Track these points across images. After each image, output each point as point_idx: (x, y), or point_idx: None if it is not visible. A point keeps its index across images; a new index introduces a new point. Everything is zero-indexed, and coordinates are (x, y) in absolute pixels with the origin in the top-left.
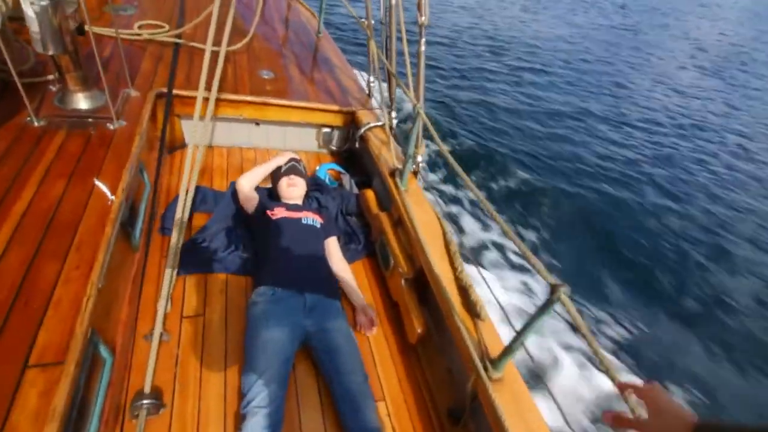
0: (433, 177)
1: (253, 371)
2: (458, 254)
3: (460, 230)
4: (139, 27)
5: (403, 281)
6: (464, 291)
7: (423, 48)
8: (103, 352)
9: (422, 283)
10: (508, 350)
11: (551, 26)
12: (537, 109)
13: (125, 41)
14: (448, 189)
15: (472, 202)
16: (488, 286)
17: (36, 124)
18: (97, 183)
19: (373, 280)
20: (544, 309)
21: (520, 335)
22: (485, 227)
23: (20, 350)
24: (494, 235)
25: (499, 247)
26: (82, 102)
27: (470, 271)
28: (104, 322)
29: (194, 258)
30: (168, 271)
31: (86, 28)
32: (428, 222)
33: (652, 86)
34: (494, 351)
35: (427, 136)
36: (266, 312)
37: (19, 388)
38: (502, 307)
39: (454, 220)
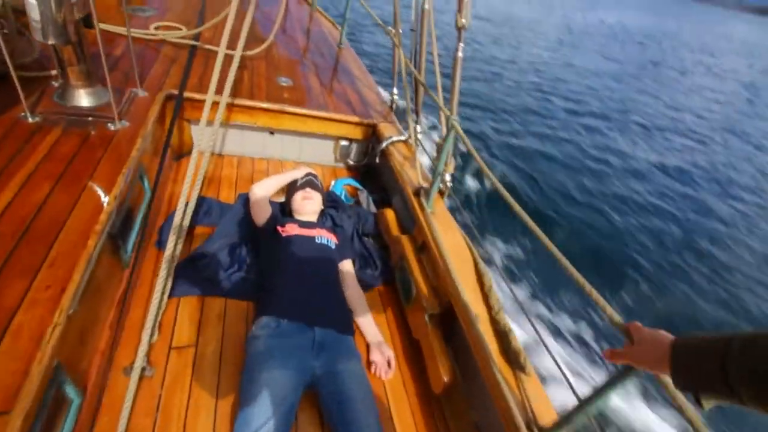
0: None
1: (248, 423)
2: (494, 290)
3: (490, 261)
4: (156, 28)
5: (426, 317)
6: (503, 336)
7: (461, 54)
8: (70, 391)
9: (449, 321)
10: (566, 420)
11: (585, 61)
12: (572, 144)
13: (140, 41)
14: (476, 213)
15: (503, 229)
16: (535, 330)
17: (30, 119)
18: (89, 186)
19: (390, 313)
20: (624, 376)
21: (584, 404)
22: (524, 256)
23: None
24: (536, 267)
25: (546, 284)
26: (83, 99)
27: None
28: (75, 354)
29: (191, 277)
30: (157, 293)
31: (96, 22)
32: (457, 249)
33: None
34: (543, 415)
35: (456, 152)
36: (268, 349)
37: None
38: (553, 357)
39: (483, 248)
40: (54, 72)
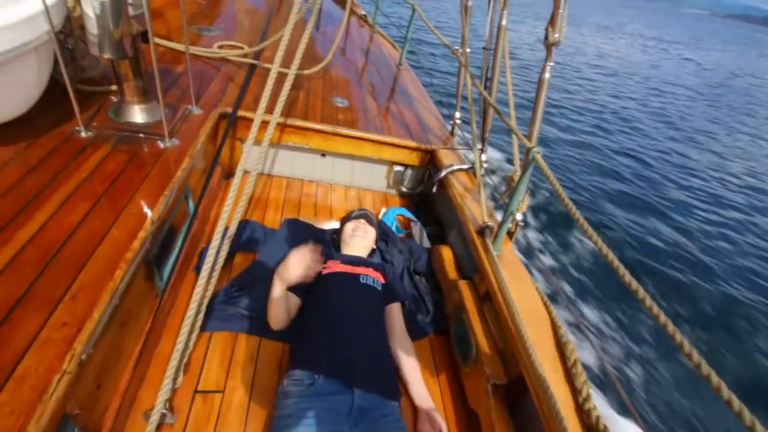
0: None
1: None
2: (580, 367)
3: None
4: (219, 47)
5: (489, 387)
6: None
7: (548, 75)
8: None
9: (518, 395)
10: None
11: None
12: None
13: (201, 59)
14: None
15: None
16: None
17: (83, 134)
18: (128, 208)
19: (443, 372)
20: None
21: None
22: (619, 328)
23: None
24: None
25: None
26: (137, 115)
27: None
28: (89, 399)
29: (225, 311)
30: (186, 328)
31: (150, 37)
32: (531, 306)
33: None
34: None
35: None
36: (300, 411)
37: None
38: None
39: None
40: (113, 87)
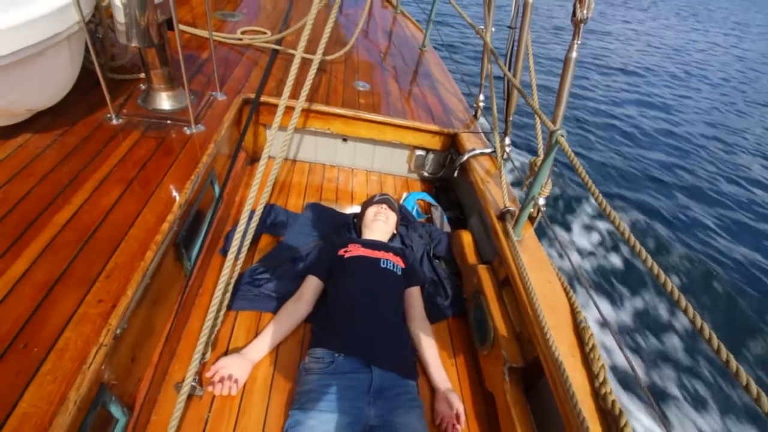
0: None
1: None
2: (598, 352)
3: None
4: (242, 32)
5: (505, 370)
6: (611, 420)
7: (575, 54)
8: (116, 411)
9: (535, 379)
10: None
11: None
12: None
13: (225, 45)
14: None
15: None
16: (660, 412)
17: (114, 121)
18: (156, 193)
19: (461, 354)
20: None
21: None
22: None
23: None
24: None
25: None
26: (164, 102)
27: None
28: (125, 370)
29: (251, 291)
30: (213, 307)
31: (175, 24)
32: (550, 291)
33: None
34: None
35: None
36: (320, 388)
37: None
38: None
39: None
40: (142, 75)
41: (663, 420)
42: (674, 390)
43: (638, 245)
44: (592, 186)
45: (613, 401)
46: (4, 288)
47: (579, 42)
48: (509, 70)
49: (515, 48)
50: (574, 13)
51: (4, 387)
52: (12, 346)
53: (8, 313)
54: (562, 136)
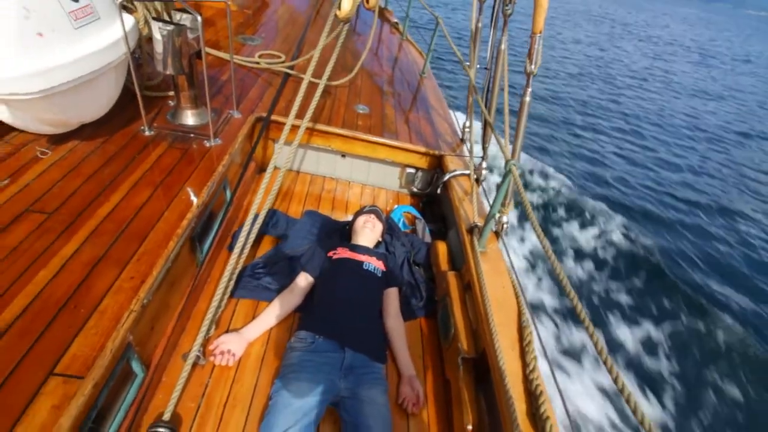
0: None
1: (271, 429)
2: (533, 345)
3: (540, 314)
4: (259, 56)
5: (460, 359)
6: (533, 398)
7: (528, 99)
8: (136, 367)
9: (484, 369)
10: None
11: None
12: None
13: (243, 67)
14: (537, 255)
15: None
16: (562, 398)
17: (147, 133)
18: (179, 195)
19: (427, 348)
20: None
21: None
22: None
23: (53, 356)
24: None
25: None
26: (189, 118)
27: (543, 369)
28: (145, 335)
29: (251, 283)
30: (219, 293)
31: (204, 51)
32: (502, 295)
33: None
34: None
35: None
36: (302, 362)
37: (36, 396)
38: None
39: (535, 299)
40: (171, 93)
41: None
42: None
43: (554, 258)
44: (532, 216)
45: (539, 384)
46: (59, 263)
47: (531, 89)
48: (486, 105)
49: (491, 87)
50: (525, 68)
51: (58, 336)
52: (65, 307)
53: (62, 282)
54: (515, 165)
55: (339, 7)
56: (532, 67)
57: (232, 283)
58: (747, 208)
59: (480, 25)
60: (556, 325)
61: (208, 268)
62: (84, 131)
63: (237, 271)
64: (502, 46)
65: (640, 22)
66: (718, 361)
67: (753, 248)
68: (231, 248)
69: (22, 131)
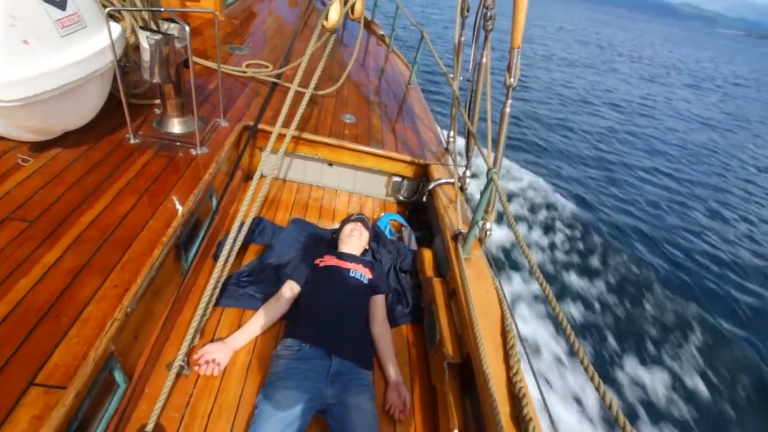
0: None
1: None
2: (516, 349)
3: (524, 319)
4: (247, 65)
5: (445, 365)
6: (517, 401)
7: (508, 110)
8: (119, 377)
9: (469, 373)
10: None
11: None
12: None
13: (231, 77)
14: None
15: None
16: (544, 401)
17: (132, 141)
18: (164, 203)
19: (414, 354)
20: None
21: None
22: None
23: (33, 365)
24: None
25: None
26: (176, 127)
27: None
28: (128, 345)
29: (237, 291)
30: (204, 302)
31: (191, 64)
32: (486, 300)
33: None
34: None
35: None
36: (288, 370)
37: (16, 407)
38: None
39: (519, 303)
40: (158, 101)
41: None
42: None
43: (546, 286)
44: (513, 223)
45: (522, 387)
46: (41, 271)
47: (511, 101)
48: (469, 116)
49: (473, 99)
50: (505, 81)
51: (39, 345)
52: (46, 316)
53: (44, 290)
54: (496, 173)
55: (326, 18)
56: (512, 80)
57: (217, 291)
58: (725, 220)
59: (463, 39)
60: (539, 328)
61: (193, 277)
62: (68, 138)
63: (222, 280)
64: (484, 60)
65: (625, 41)
66: (701, 366)
67: (729, 265)
68: (216, 256)
69: (2, 138)
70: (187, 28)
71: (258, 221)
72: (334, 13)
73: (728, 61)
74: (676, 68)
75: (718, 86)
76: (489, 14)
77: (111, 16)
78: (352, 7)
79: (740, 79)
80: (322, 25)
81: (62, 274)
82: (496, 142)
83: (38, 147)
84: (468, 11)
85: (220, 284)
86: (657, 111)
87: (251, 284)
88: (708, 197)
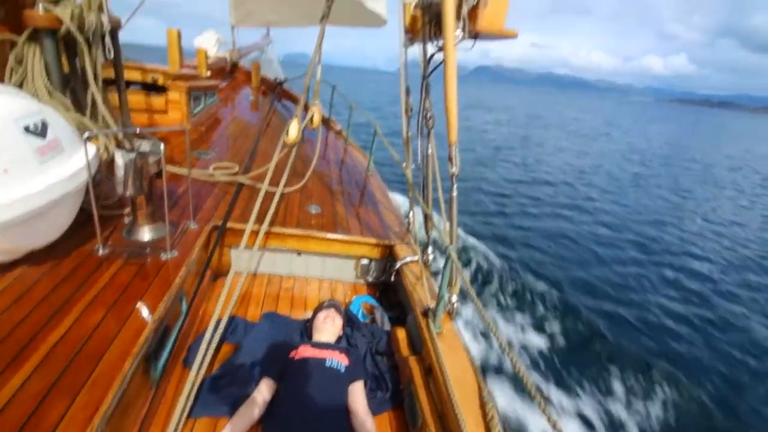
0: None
1: None
2: (496, 419)
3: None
4: (214, 168)
5: None
6: None
7: (455, 194)
8: None
9: None
10: None
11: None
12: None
13: (198, 180)
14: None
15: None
16: None
17: (101, 252)
18: (135, 312)
19: None
20: None
21: None
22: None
23: None
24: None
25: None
26: (146, 234)
27: None
28: None
29: (209, 397)
30: (176, 415)
31: (163, 176)
32: (462, 374)
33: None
34: None
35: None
36: None
37: None
38: None
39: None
40: (127, 210)
41: None
42: None
43: (506, 343)
44: (476, 300)
45: None
46: (7, 396)
47: (456, 185)
48: (424, 198)
49: (426, 183)
50: (449, 170)
51: None
52: None
53: (10, 416)
54: (453, 250)
55: (287, 134)
56: (454, 169)
57: (190, 402)
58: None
59: (410, 134)
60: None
61: (163, 387)
62: (34, 255)
63: (195, 388)
64: (429, 152)
65: (553, 114)
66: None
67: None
68: (187, 362)
69: None
70: (162, 145)
71: (230, 320)
72: (294, 130)
73: (649, 121)
74: (604, 134)
75: (641, 148)
76: (429, 114)
77: (88, 138)
78: (311, 119)
79: (660, 141)
80: (284, 141)
81: (29, 398)
82: (449, 221)
83: (3, 266)
84: (411, 111)
85: (192, 394)
86: (587, 175)
87: (226, 387)
88: (633, 247)
